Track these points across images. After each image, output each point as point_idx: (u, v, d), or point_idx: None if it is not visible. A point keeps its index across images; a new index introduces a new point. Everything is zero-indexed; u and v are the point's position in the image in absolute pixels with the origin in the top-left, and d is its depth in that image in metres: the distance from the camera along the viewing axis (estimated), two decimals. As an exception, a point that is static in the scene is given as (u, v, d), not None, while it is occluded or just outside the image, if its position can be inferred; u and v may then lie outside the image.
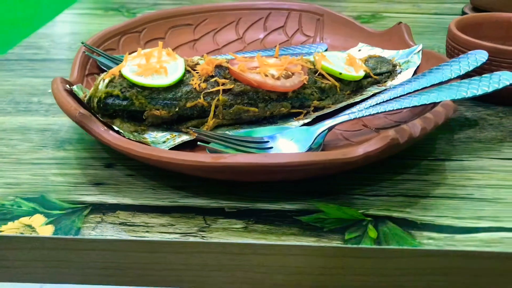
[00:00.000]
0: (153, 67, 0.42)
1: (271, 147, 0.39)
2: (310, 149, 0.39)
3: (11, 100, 0.52)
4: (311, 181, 0.39)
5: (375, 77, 0.50)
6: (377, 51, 0.55)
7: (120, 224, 0.35)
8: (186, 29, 0.60)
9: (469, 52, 0.46)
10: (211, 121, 0.43)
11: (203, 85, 0.43)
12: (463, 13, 0.75)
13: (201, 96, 0.42)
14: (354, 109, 0.43)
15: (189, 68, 0.44)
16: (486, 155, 0.42)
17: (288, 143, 0.40)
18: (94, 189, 0.39)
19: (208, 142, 0.38)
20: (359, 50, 0.56)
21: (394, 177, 0.40)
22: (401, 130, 0.34)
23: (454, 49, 0.50)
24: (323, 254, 0.33)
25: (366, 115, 0.40)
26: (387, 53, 0.54)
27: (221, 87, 0.43)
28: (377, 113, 0.40)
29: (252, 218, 0.35)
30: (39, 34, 0.70)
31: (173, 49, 0.58)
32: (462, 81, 0.43)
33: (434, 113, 0.37)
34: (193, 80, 0.43)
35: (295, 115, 0.45)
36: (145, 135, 0.42)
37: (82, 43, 0.51)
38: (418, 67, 0.50)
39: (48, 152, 0.43)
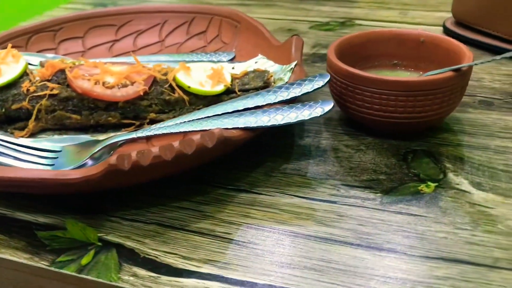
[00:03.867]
0: (-10, 68, 0.44)
1: (57, 157, 0.39)
2: (83, 164, 0.38)
3: None
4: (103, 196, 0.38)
5: (238, 93, 0.46)
6: (269, 65, 0.51)
7: None
8: (108, 30, 0.61)
9: (314, 75, 0.41)
10: (31, 125, 0.44)
11: (32, 88, 0.44)
12: (444, 27, 0.66)
13: (27, 99, 0.44)
14: (153, 127, 0.41)
15: (29, 71, 0.45)
16: (294, 192, 0.38)
17: (75, 155, 0.39)
18: None
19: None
20: (256, 62, 0.53)
21: (170, 203, 0.37)
22: (127, 157, 0.32)
23: (328, 72, 0.45)
24: (31, 272, 0.33)
25: (152, 134, 0.38)
26: (275, 67, 0.50)
27: (47, 92, 0.44)
28: (163, 134, 0.38)
29: (-2, 226, 0.36)
30: (18, 26, 0.76)
31: (88, 49, 0.60)
32: (274, 107, 0.38)
33: (185, 142, 0.33)
34: (24, 83, 0.44)
35: (128, 126, 0.45)
36: (-26, 133, 0.44)
37: (-26, 40, 0.54)
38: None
39: None
